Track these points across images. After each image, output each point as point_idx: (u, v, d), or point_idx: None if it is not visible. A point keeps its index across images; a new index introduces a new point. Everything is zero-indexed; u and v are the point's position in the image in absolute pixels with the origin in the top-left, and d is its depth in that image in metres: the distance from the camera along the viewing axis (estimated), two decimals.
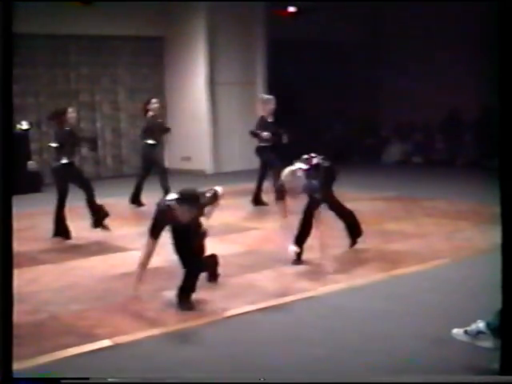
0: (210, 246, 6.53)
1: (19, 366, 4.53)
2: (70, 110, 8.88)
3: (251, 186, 13.61)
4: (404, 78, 16.86)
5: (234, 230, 8.96)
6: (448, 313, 5.35)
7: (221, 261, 6.52)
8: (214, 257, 6.28)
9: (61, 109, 9.09)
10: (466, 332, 4.35)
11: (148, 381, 4.19)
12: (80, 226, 9.82)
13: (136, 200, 10.96)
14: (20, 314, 5.69)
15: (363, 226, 7.79)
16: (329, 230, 7.29)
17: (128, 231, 9.10)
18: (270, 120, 10.97)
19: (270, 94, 16.88)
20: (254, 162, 17.13)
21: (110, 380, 4.04)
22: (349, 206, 9.13)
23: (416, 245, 7.82)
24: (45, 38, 14.80)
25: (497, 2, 3.49)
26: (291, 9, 16.27)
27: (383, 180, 13.73)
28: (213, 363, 4.55)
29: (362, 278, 6.57)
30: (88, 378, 3.97)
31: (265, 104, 11.15)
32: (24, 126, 14.09)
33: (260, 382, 4.00)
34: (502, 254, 3.72)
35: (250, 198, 11.75)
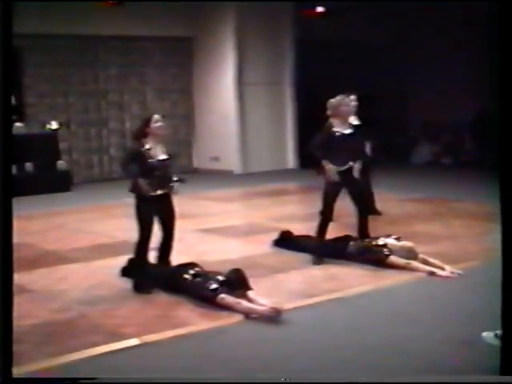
0: (239, 246, 6.54)
1: (48, 364, 4.58)
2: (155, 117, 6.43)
3: (278, 186, 13.61)
4: (431, 78, 16.73)
5: (261, 231, 8.94)
6: (478, 315, 5.29)
7: (248, 261, 6.52)
8: (240, 272, 5.94)
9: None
10: (496, 335, 4.30)
11: (148, 381, 4.20)
12: (109, 224, 9.90)
13: None
14: (49, 312, 5.76)
15: (392, 228, 7.74)
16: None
17: (156, 230, 9.11)
18: (345, 131, 7.15)
19: (296, 94, 16.96)
20: (282, 163, 17.22)
21: (114, 380, 4.06)
22: (379, 207, 9.12)
23: (445, 246, 7.75)
24: (74, 39, 14.90)
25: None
26: (319, 9, 16.22)
27: (412, 181, 13.62)
28: (238, 363, 4.55)
29: (391, 279, 6.52)
30: (94, 378, 3.98)
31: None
32: (54, 125, 14.21)
33: (282, 382, 3.99)
34: (502, 253, 3.68)
35: (277, 198, 11.73)
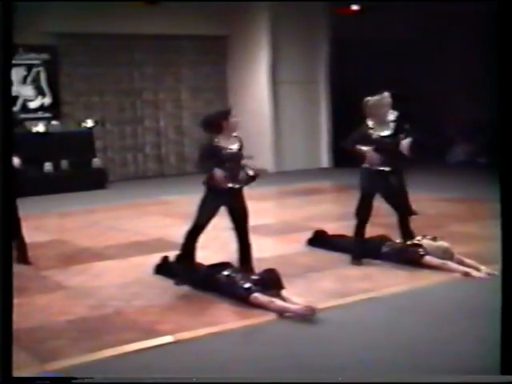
0: (272, 245, 6.53)
1: (83, 360, 4.61)
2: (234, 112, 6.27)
3: (312, 185, 13.58)
4: (468, 77, 16.55)
5: (294, 230, 8.92)
6: None
7: (282, 260, 6.51)
8: (273, 271, 5.94)
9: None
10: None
11: (149, 381, 4.21)
12: (143, 222, 9.97)
13: None
14: (85, 308, 5.82)
15: (427, 228, 7.67)
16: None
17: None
18: (383, 132, 6.99)
19: (331, 92, 16.90)
20: (316, 161, 17.17)
21: (117, 380, 4.07)
22: (414, 207, 9.03)
23: (481, 247, 7.65)
24: (110, 38, 15.04)
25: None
26: (354, 7, 16.15)
27: (447, 181, 13.49)
28: (271, 361, 4.54)
29: (426, 279, 6.46)
30: (93, 378, 3.99)
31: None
32: (89, 123, 14.36)
33: (290, 383, 3.97)
34: (502, 253, 3.63)
35: (311, 197, 11.69)
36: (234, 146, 6.17)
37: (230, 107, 6.29)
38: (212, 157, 6.08)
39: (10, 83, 3.86)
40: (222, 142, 6.11)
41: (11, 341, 3.59)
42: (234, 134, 6.21)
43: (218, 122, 6.10)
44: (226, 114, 6.13)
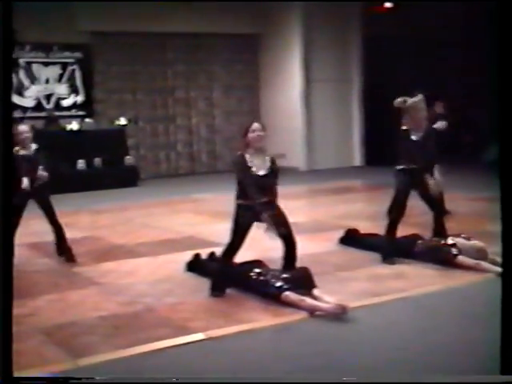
0: (304, 243, 6.51)
1: (114, 356, 4.64)
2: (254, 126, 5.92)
3: (344, 183, 13.52)
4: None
5: (326, 228, 8.89)
6: None
7: (313, 258, 6.48)
8: (305, 269, 5.94)
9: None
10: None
11: (150, 381, 4.20)
12: (175, 219, 10.01)
13: None
14: (117, 304, 5.85)
15: (461, 227, 7.59)
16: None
17: (222, 226, 9.16)
18: (418, 134, 6.99)
19: (364, 91, 16.80)
20: (348, 160, 17.10)
21: (114, 380, 4.07)
22: (448, 207, 8.93)
23: None
24: (143, 36, 15.13)
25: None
26: (387, 4, 16.04)
27: (483, 180, 13.32)
28: (300, 360, 4.52)
29: (459, 279, 6.39)
30: (92, 378, 3.99)
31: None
32: (122, 121, 14.46)
33: (289, 382, 3.94)
34: (502, 253, 3.57)
35: (342, 195, 11.63)
36: (261, 170, 5.86)
37: (252, 121, 5.96)
38: (239, 172, 5.87)
39: (10, 83, 3.87)
40: (250, 159, 5.84)
41: (11, 341, 3.60)
42: (267, 157, 5.92)
43: (241, 138, 5.94)
44: (245, 130, 5.90)
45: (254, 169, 5.82)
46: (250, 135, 5.84)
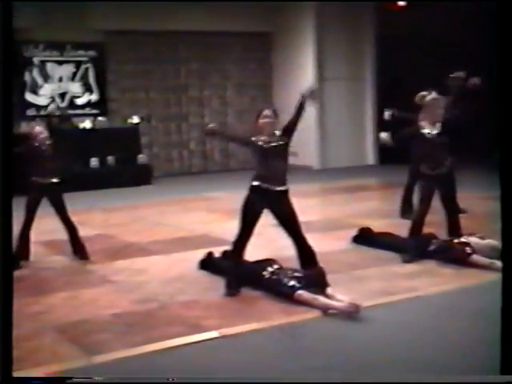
0: (317, 242, 6.49)
1: (128, 354, 4.64)
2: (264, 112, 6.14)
3: (357, 182, 13.49)
4: None
5: (338, 227, 8.86)
6: None
7: (326, 257, 6.47)
8: (318, 268, 5.94)
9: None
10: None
11: (150, 381, 4.20)
12: (188, 218, 10.02)
13: None
14: (130, 303, 5.86)
15: (476, 226, 7.56)
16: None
17: (235, 225, 9.16)
18: (434, 131, 7.02)
19: (377, 89, 16.74)
20: (361, 159, 17.05)
21: (114, 380, 4.07)
22: (462, 205, 8.88)
23: None
24: (156, 35, 15.15)
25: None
26: (401, 3, 15.97)
27: (496, 178, 13.24)
28: (313, 358, 4.51)
29: (473, 278, 6.35)
30: (91, 378, 4.00)
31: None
32: (135, 120, 14.48)
33: (296, 383, 3.93)
34: (502, 253, 3.54)
35: (355, 194, 11.59)
36: (274, 143, 5.98)
37: (261, 109, 6.11)
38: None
39: (10, 83, 3.86)
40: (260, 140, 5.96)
41: (11, 341, 3.61)
42: (277, 133, 6.05)
43: (253, 124, 6.06)
44: (257, 117, 6.04)
45: (260, 143, 5.93)
46: (261, 121, 5.98)
